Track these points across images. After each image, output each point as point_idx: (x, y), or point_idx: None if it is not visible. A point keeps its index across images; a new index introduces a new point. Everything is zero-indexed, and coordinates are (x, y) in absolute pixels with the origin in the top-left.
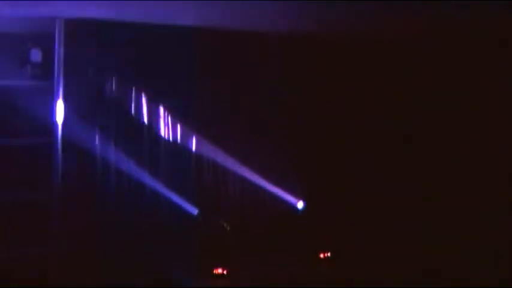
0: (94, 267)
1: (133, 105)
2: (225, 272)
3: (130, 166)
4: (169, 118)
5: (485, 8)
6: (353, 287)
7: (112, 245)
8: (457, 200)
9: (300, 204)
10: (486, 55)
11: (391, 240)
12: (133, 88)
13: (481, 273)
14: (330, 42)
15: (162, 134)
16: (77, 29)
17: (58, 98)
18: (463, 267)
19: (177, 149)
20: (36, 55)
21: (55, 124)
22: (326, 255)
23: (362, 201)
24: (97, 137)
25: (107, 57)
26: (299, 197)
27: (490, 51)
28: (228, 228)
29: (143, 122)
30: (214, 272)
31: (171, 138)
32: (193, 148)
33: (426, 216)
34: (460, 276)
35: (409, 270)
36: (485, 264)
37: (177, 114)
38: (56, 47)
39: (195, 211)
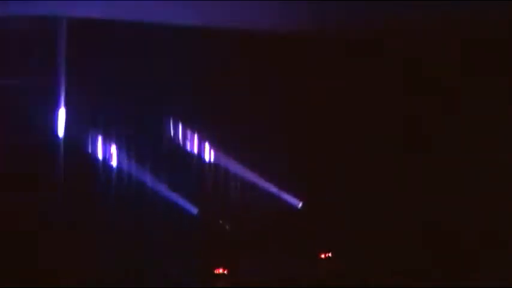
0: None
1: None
2: (225, 272)
3: (131, 166)
4: (171, 119)
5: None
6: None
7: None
8: (456, 201)
9: (300, 204)
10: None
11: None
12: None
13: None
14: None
15: (164, 133)
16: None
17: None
18: (462, 267)
19: (177, 149)
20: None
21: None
22: (327, 255)
23: (362, 200)
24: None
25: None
26: (299, 197)
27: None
28: (229, 228)
29: (145, 122)
30: (215, 272)
31: (171, 138)
32: (194, 148)
33: (426, 216)
34: (458, 277)
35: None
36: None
37: (178, 116)
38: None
39: (195, 211)
